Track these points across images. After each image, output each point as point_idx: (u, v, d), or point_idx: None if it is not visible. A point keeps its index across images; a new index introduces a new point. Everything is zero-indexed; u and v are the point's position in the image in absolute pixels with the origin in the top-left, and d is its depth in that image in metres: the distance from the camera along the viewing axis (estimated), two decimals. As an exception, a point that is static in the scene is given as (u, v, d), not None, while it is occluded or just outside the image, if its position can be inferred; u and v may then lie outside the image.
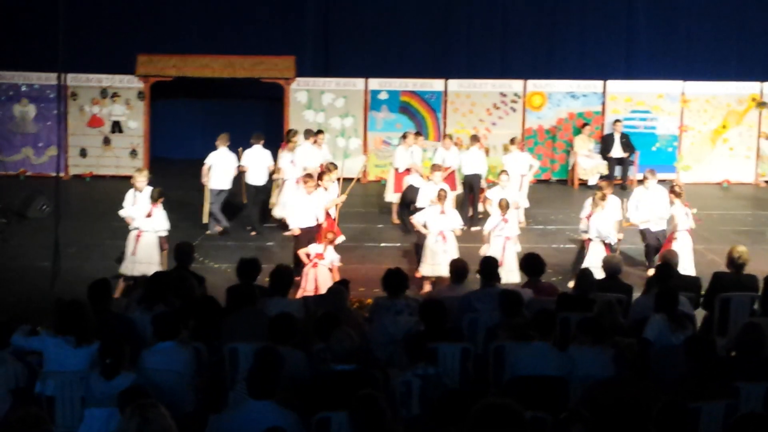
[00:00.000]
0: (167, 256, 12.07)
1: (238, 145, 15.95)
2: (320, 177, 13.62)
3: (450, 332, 8.07)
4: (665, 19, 21.88)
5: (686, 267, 12.50)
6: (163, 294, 8.61)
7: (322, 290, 11.94)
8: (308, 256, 12.06)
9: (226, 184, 15.74)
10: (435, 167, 14.37)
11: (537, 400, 6.60)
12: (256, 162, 15.81)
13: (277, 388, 5.99)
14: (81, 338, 7.28)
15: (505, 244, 12.67)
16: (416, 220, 13.18)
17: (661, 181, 13.78)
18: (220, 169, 15.64)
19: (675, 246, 12.44)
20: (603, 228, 12.39)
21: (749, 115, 20.41)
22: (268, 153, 15.94)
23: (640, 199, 13.56)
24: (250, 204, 15.98)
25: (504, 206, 12.85)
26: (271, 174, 16.02)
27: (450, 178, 15.91)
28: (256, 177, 15.82)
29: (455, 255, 12.43)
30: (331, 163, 14.23)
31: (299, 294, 11.66)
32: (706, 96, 20.37)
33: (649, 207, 13.39)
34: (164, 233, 12.34)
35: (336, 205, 13.49)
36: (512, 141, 17.17)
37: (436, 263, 12.53)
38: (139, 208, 12.23)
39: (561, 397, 7.02)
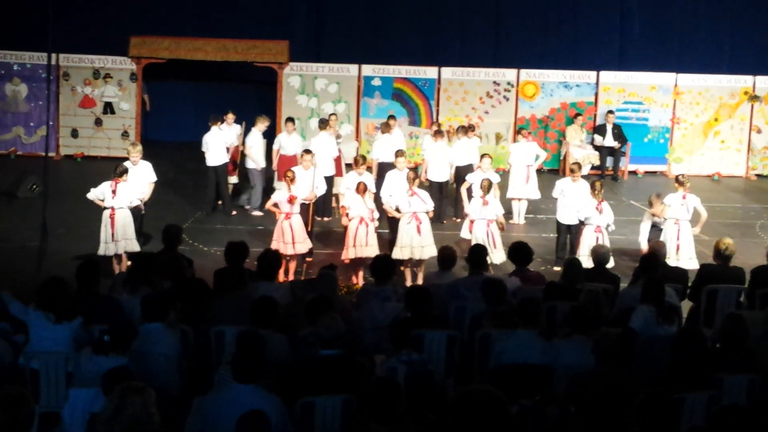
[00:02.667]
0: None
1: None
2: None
3: (436, 319, 8.09)
4: (659, 10, 21.90)
5: (685, 256, 12.52)
6: (148, 276, 8.60)
7: (299, 239, 12.18)
8: (276, 205, 12.37)
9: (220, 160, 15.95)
10: (399, 153, 14.19)
11: (522, 388, 6.63)
12: (214, 143, 15.82)
13: (262, 372, 6.00)
14: (61, 314, 7.28)
15: (488, 228, 12.64)
16: (388, 204, 13.11)
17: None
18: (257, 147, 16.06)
19: (665, 236, 12.50)
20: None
21: (741, 109, 20.45)
22: (226, 134, 15.95)
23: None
24: (212, 186, 15.98)
25: (485, 187, 12.78)
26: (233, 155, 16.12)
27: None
28: (214, 158, 15.83)
29: (429, 237, 12.45)
30: (306, 150, 13.90)
31: (274, 245, 11.96)
32: (698, 88, 20.40)
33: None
34: (137, 202, 12.47)
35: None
36: (519, 131, 17.10)
37: (412, 245, 12.42)
38: (103, 188, 12.24)
39: (545, 386, 7.04)
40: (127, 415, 4.82)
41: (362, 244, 12.34)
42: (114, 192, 12.12)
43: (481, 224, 12.69)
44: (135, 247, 12.15)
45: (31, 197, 15.89)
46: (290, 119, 16.64)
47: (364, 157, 14.12)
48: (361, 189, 12.48)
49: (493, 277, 9.27)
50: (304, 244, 12.46)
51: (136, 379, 5.89)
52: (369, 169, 14.43)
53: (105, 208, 12.19)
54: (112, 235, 12.06)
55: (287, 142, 16.12)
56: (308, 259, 12.93)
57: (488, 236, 12.53)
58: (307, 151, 13.60)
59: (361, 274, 12.49)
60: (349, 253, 12.42)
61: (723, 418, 5.17)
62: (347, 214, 12.57)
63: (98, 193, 12.26)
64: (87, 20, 20.35)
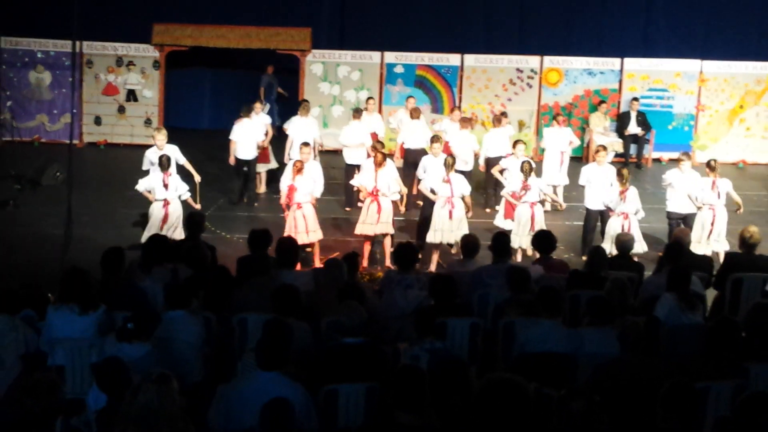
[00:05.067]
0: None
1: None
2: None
3: (460, 307, 8.07)
4: (684, -4, 21.69)
5: (715, 239, 12.47)
6: (161, 258, 8.65)
7: (311, 228, 12.33)
8: (288, 196, 12.38)
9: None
10: (435, 138, 14.10)
11: (545, 376, 6.60)
12: (245, 135, 15.64)
13: (286, 360, 6.00)
14: (85, 306, 7.30)
15: (533, 211, 12.56)
16: (423, 186, 13.05)
17: (676, 161, 13.63)
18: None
19: (699, 221, 12.44)
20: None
21: (767, 96, 20.25)
22: (258, 126, 15.80)
23: (674, 182, 13.34)
24: (239, 177, 15.87)
25: (527, 170, 12.67)
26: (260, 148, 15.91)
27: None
28: (245, 151, 15.65)
29: (464, 223, 12.41)
30: (304, 143, 13.67)
31: (286, 232, 11.91)
32: (724, 75, 20.21)
33: (684, 190, 13.12)
34: (187, 194, 12.47)
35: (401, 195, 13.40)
36: (555, 117, 16.96)
37: (443, 229, 12.41)
38: (154, 180, 12.26)
39: (569, 375, 7.02)
40: (139, 402, 4.87)
41: (372, 221, 12.43)
42: (166, 185, 12.16)
43: (525, 207, 12.60)
44: (181, 235, 12.08)
45: (55, 185, 15.96)
46: (303, 101, 16.62)
47: (382, 143, 14.14)
48: (378, 161, 12.52)
49: (518, 265, 9.24)
50: (316, 233, 12.43)
51: (127, 370, 5.86)
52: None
53: (156, 200, 12.21)
54: (162, 227, 12.08)
55: (297, 124, 15.92)
56: (307, 249, 12.76)
57: (531, 219, 12.47)
58: (305, 144, 13.47)
59: (366, 252, 12.54)
60: (356, 229, 12.65)
61: (750, 407, 5.13)
62: (363, 190, 12.75)
63: (147, 185, 12.30)
64: (110, 8, 20.34)
